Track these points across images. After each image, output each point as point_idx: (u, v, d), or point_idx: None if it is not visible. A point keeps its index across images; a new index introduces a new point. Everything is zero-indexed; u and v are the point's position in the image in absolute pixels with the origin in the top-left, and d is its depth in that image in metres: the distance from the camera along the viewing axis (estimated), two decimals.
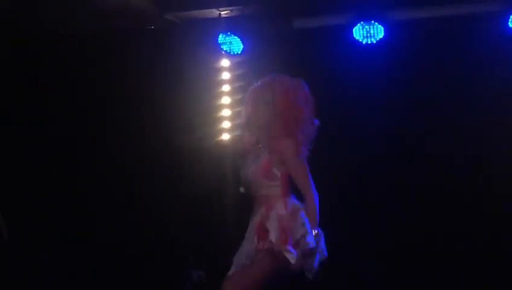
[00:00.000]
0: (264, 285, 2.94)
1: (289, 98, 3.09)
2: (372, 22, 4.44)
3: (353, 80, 4.79)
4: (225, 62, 5.35)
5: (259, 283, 2.93)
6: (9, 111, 5.14)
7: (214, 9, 4.98)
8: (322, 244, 3.00)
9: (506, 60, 4.49)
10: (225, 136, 5.26)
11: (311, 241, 2.93)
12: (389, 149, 4.75)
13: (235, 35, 4.98)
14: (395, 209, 4.73)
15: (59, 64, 5.20)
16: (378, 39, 4.50)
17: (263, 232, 2.93)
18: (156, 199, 5.18)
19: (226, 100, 5.32)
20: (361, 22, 4.50)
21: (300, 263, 2.92)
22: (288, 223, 2.95)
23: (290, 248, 2.89)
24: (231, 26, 4.97)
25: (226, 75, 5.36)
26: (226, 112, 5.29)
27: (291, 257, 2.88)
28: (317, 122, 3.17)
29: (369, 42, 4.53)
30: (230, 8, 4.93)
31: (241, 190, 3.19)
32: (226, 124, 5.26)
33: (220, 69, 5.35)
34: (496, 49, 4.48)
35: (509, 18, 4.39)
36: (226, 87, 5.34)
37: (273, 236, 2.90)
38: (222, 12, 4.97)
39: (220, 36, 5.00)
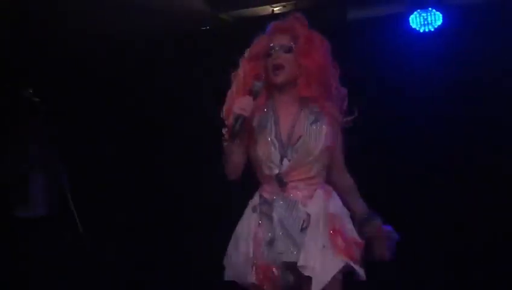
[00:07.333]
0: None
1: (315, 45, 2.42)
2: (430, 9, 4.33)
3: (412, 70, 4.69)
4: None
5: None
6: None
7: (267, 6, 4.99)
8: None
9: None
10: None
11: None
12: (449, 136, 4.63)
13: None
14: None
15: (114, 66, 5.30)
16: (436, 26, 4.39)
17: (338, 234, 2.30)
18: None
19: None
20: (418, 10, 4.40)
21: None
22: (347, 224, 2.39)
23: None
24: None
25: None
26: None
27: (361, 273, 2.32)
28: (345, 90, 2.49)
29: (427, 30, 4.42)
30: (283, 3, 4.91)
31: (275, 171, 2.36)
32: None
33: None
34: None
35: None
36: None
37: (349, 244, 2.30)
38: (275, 9, 4.95)
39: None
